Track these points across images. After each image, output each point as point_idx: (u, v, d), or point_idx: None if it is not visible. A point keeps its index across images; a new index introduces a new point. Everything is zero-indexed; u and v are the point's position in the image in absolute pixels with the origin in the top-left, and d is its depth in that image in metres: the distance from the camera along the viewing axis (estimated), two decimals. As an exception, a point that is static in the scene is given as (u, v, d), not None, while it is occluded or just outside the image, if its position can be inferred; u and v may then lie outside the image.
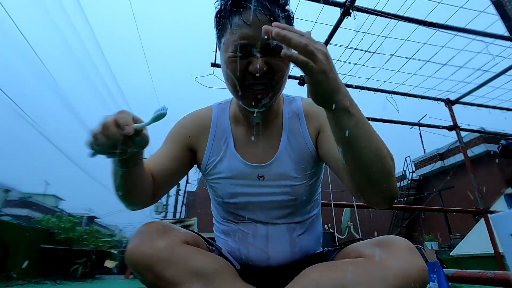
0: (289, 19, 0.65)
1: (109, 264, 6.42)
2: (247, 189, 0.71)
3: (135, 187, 0.62)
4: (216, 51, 2.50)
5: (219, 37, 0.66)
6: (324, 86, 0.46)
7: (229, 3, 0.60)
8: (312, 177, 0.74)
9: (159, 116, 0.51)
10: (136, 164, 0.58)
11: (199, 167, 0.79)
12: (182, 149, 0.75)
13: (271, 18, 0.58)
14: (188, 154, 0.76)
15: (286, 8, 0.64)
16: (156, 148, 0.78)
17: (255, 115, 0.70)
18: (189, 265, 0.54)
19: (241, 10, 0.59)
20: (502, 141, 2.35)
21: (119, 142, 0.48)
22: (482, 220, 3.00)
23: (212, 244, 0.71)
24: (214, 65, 2.61)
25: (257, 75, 0.59)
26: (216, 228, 0.81)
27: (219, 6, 0.64)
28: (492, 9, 2.41)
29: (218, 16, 0.64)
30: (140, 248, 0.54)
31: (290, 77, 2.77)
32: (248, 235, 0.72)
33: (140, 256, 0.54)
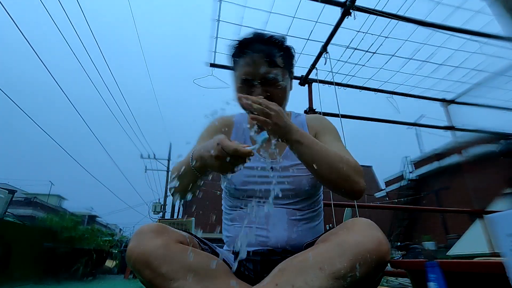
0: (287, 55, 0.85)
1: (109, 263, 6.43)
2: (257, 178, 0.86)
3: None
4: (215, 52, 2.50)
5: (234, 70, 0.88)
6: (278, 131, 0.70)
7: (236, 50, 0.85)
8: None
9: (263, 140, 0.74)
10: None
11: None
12: None
13: (267, 59, 0.80)
14: None
15: (283, 46, 0.85)
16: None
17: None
18: (183, 261, 0.59)
19: (245, 54, 0.82)
20: (503, 141, 2.33)
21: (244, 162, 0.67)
22: (478, 221, 2.99)
23: (205, 244, 0.76)
24: (213, 65, 2.60)
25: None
26: (225, 217, 0.92)
27: (232, 49, 0.87)
28: (489, 9, 2.40)
29: (231, 56, 0.88)
30: (139, 246, 0.58)
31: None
32: (251, 215, 0.83)
33: (138, 254, 0.58)
